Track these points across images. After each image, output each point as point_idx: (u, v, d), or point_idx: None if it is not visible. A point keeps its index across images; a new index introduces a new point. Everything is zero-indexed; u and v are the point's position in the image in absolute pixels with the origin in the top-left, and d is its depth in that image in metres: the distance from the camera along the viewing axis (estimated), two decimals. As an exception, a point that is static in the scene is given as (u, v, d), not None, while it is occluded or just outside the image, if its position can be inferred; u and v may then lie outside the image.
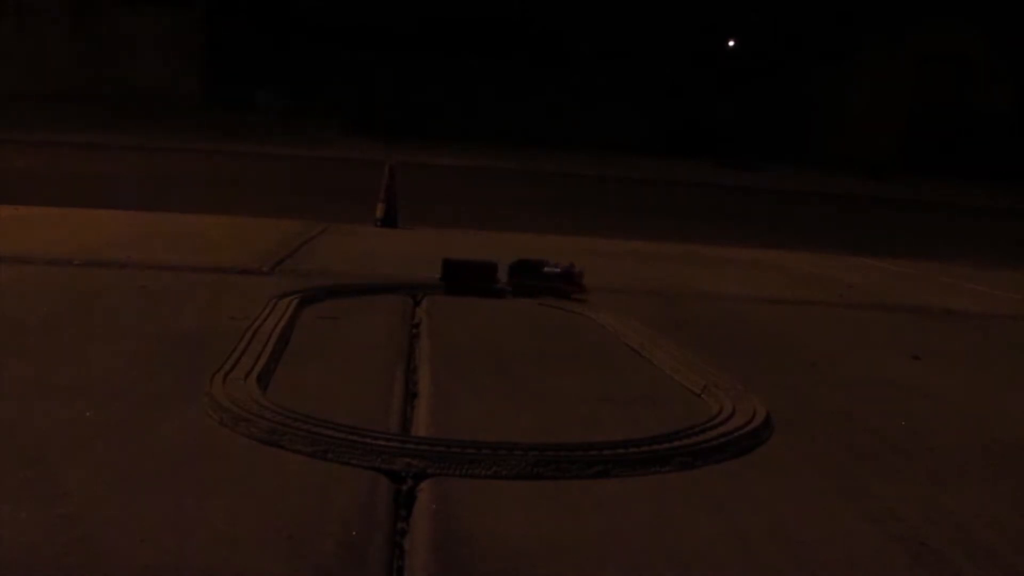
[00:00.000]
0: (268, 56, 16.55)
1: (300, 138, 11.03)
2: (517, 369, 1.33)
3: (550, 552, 0.76)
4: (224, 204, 3.83)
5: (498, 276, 1.90)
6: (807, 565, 0.77)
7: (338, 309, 1.63)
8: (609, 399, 1.20)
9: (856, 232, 5.57)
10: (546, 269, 1.89)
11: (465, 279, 1.88)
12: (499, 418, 1.10)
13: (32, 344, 1.28)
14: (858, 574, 0.77)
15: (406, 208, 3.01)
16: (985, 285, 2.67)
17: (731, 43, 13.95)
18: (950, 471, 1.03)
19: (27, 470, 0.84)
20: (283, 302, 1.56)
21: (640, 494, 0.89)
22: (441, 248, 2.59)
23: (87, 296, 1.61)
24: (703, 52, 13.86)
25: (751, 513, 0.87)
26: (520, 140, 11.15)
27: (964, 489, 0.98)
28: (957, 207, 8.73)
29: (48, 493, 0.80)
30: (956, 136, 15.04)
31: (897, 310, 2.13)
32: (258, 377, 1.13)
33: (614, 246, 2.99)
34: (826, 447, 1.08)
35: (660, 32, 13.50)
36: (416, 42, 16.51)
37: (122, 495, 0.80)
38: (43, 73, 14.73)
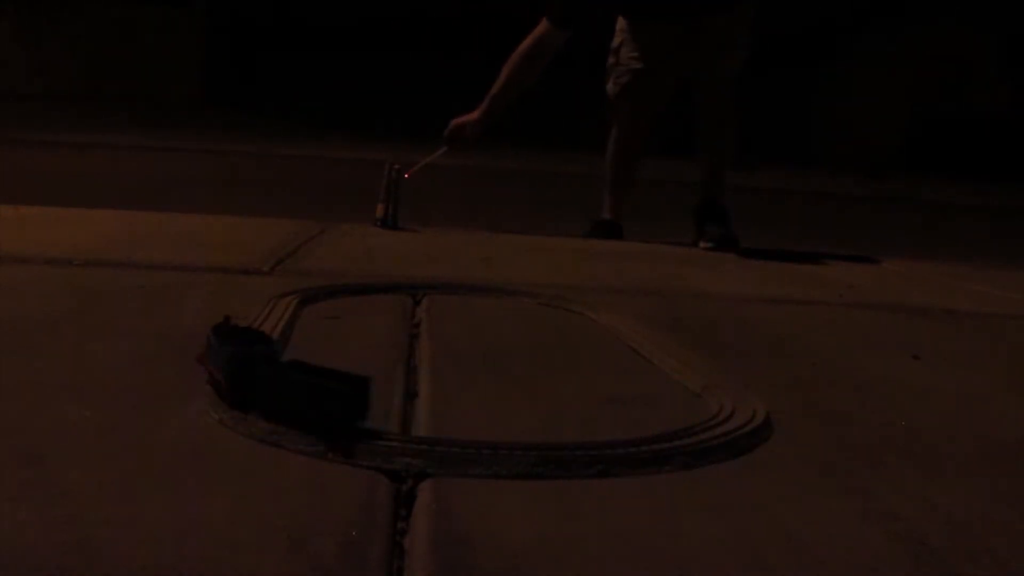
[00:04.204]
0: (267, 55, 16.53)
1: (300, 137, 11.04)
2: (517, 369, 1.33)
3: (550, 552, 0.76)
4: (224, 204, 3.84)
5: None
6: (807, 565, 0.77)
7: (338, 309, 1.63)
8: (609, 399, 1.20)
9: (856, 232, 5.57)
10: None
11: None
12: (499, 418, 1.10)
13: (32, 344, 1.28)
14: (858, 574, 0.77)
15: (406, 208, 3.01)
16: (985, 285, 2.66)
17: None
18: (950, 471, 1.03)
19: (27, 470, 0.84)
20: (283, 302, 1.56)
21: (640, 494, 0.89)
22: (441, 248, 2.59)
23: (87, 296, 1.61)
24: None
25: (751, 513, 0.86)
26: (521, 140, 11.15)
27: (964, 489, 0.97)
28: (957, 207, 8.73)
29: (48, 493, 0.80)
30: (956, 136, 15.04)
31: (897, 310, 2.13)
32: (258, 377, 1.13)
33: (614, 246, 2.99)
34: (826, 447, 1.08)
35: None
36: (417, 41, 16.48)
37: (122, 495, 0.80)
38: (42, 73, 14.72)
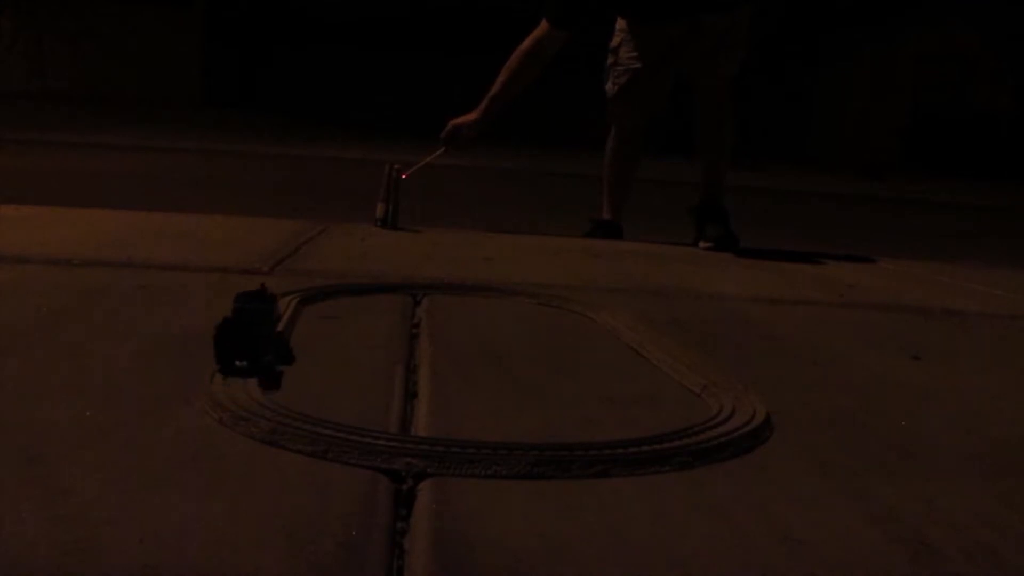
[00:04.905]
0: (267, 54, 16.52)
1: (299, 138, 11.03)
2: (517, 369, 1.33)
3: (550, 552, 0.76)
4: (223, 204, 3.83)
5: None
6: (807, 565, 0.77)
7: (338, 309, 1.63)
8: (609, 399, 1.20)
9: (856, 231, 5.57)
10: None
11: None
12: (499, 418, 1.10)
13: (32, 344, 1.28)
14: (858, 574, 0.77)
15: (406, 208, 3.01)
16: (985, 285, 2.66)
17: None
18: (950, 471, 1.03)
19: (27, 470, 0.84)
20: (283, 301, 1.56)
21: (640, 494, 0.89)
22: (441, 248, 2.59)
23: (87, 296, 1.61)
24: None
25: (751, 513, 0.87)
26: (521, 140, 11.15)
27: (964, 489, 0.97)
28: (958, 207, 8.73)
29: (48, 493, 0.80)
30: (956, 136, 15.04)
31: (897, 310, 2.13)
32: (258, 377, 1.13)
33: (614, 246, 2.99)
34: (826, 447, 1.08)
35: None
36: (416, 41, 16.48)
37: (122, 495, 0.80)
38: (42, 73, 14.70)
